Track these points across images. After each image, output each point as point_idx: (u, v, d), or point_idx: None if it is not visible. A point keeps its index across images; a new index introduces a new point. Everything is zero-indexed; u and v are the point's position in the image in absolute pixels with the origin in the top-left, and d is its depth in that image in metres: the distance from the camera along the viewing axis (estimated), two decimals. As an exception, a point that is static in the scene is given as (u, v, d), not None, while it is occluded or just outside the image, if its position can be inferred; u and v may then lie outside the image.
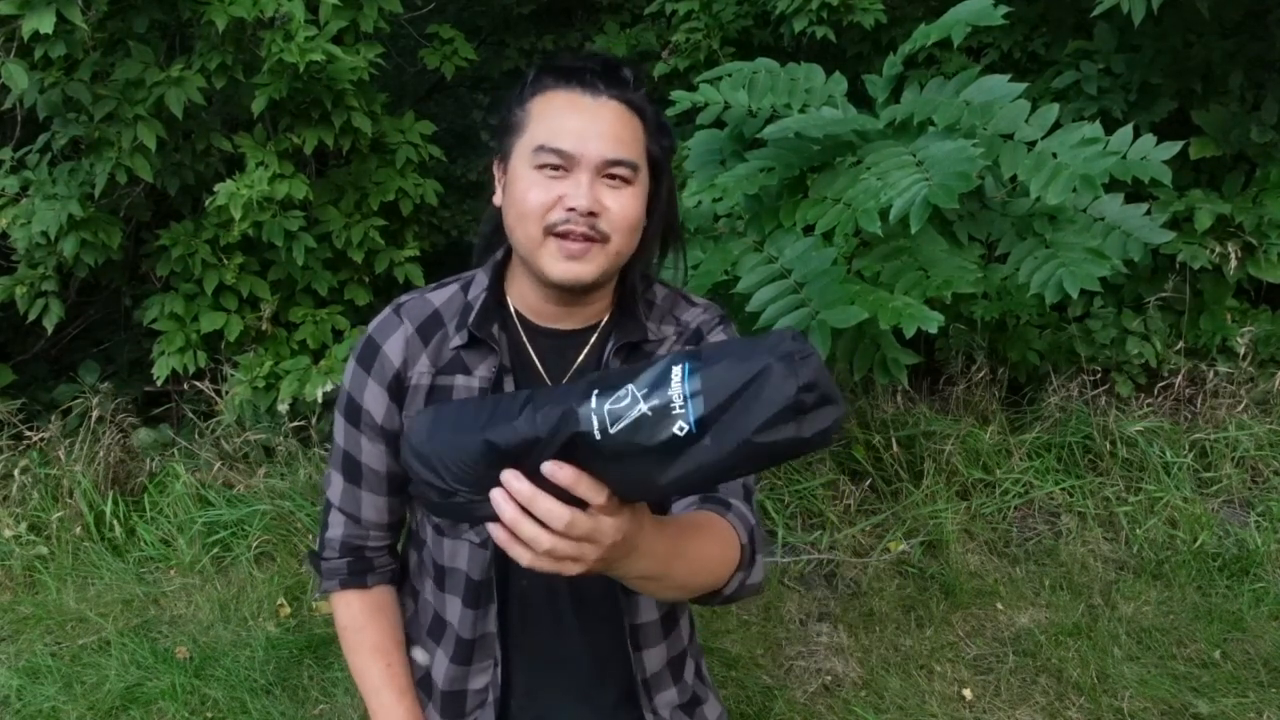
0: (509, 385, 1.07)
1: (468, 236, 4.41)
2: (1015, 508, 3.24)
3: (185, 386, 3.48)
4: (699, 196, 1.94)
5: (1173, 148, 1.84)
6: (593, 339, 1.10)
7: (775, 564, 3.02)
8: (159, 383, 3.41)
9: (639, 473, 0.71)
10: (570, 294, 1.04)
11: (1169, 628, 2.70)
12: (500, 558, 1.09)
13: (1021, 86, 1.81)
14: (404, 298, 1.12)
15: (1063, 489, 3.26)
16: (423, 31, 4.17)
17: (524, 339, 1.10)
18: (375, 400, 1.09)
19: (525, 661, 1.16)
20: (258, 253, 3.40)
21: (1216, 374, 3.55)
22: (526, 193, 0.99)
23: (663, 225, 1.10)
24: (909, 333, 1.60)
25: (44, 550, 3.13)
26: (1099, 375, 3.62)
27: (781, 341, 0.70)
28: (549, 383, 1.09)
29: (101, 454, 3.33)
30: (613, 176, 0.99)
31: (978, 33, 3.75)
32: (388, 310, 1.11)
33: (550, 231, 0.98)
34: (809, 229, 1.80)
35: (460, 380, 1.08)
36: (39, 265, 3.20)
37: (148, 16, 3.04)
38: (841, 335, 1.86)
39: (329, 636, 2.71)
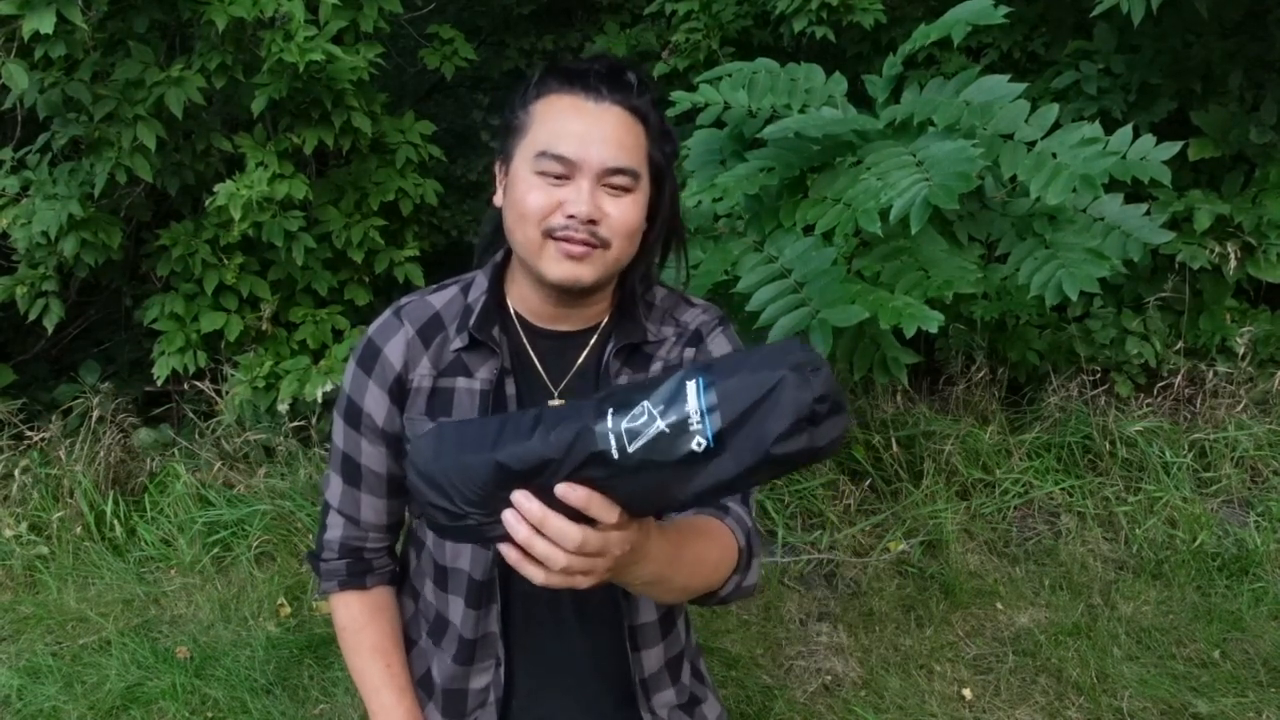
0: (510, 388, 1.07)
1: (468, 236, 4.41)
2: (1015, 508, 3.24)
3: (185, 386, 3.49)
4: (699, 196, 1.94)
5: (1172, 148, 1.84)
6: (593, 340, 1.10)
7: (775, 564, 3.02)
8: (159, 383, 3.42)
9: (656, 488, 0.72)
10: (569, 295, 1.05)
11: (1168, 627, 2.70)
12: (502, 558, 1.09)
13: (1021, 86, 1.81)
14: (404, 300, 1.12)
15: (1062, 489, 3.26)
16: (423, 31, 4.17)
17: (524, 341, 1.10)
18: (376, 403, 1.09)
19: (526, 662, 1.16)
20: (258, 253, 3.40)
21: (1216, 374, 3.56)
22: (526, 195, 0.99)
23: (665, 230, 1.10)
24: (909, 332, 1.61)
25: (44, 550, 3.13)
26: (1099, 375, 3.62)
27: (791, 352, 0.71)
28: (549, 384, 1.09)
29: (102, 454, 3.33)
30: (614, 185, 0.99)
31: (978, 33, 3.76)
32: (388, 313, 1.11)
33: (550, 235, 0.99)
34: (809, 229, 1.80)
35: (462, 383, 1.08)
36: (39, 265, 3.20)
37: (148, 16, 3.04)
38: (841, 335, 1.86)
39: (329, 636, 2.71)
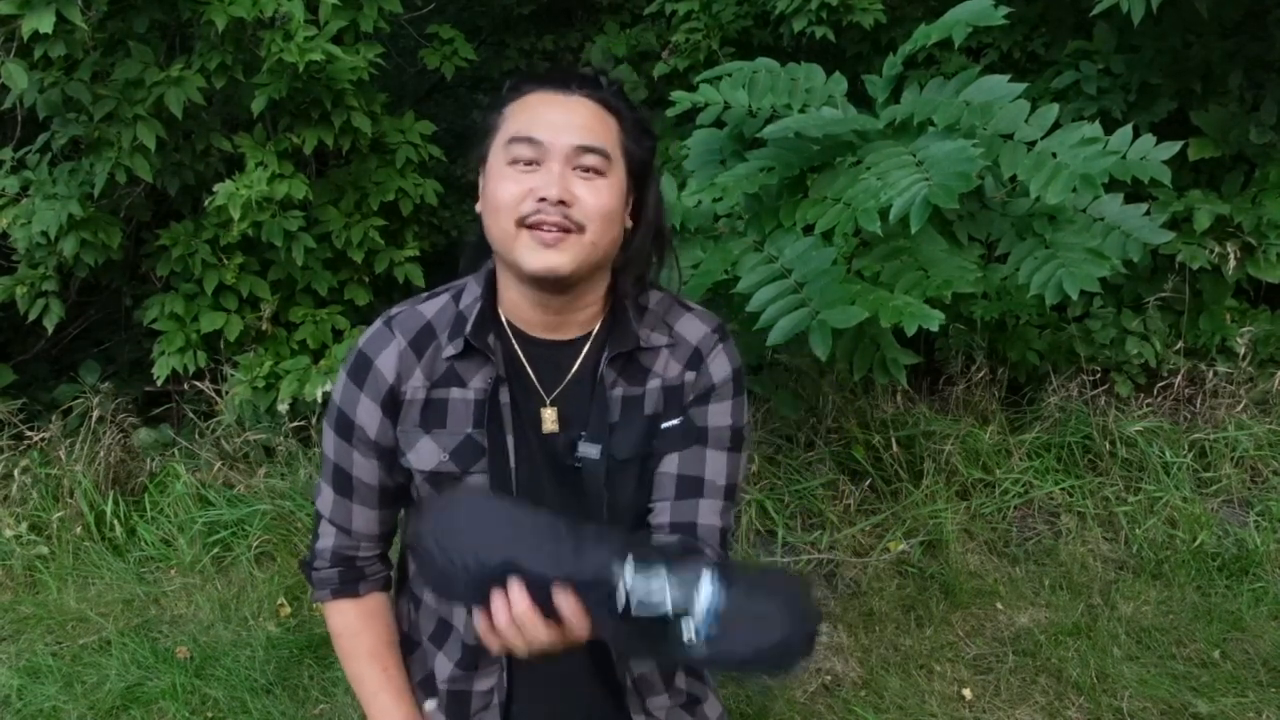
0: (504, 396, 1.07)
1: (467, 236, 4.39)
2: (1015, 508, 3.24)
3: (185, 386, 3.49)
4: (699, 196, 1.94)
5: (1172, 148, 1.84)
6: (586, 348, 1.09)
7: (775, 564, 3.02)
8: (159, 383, 3.42)
9: (632, 635, 0.82)
10: (552, 290, 1.03)
11: (1168, 627, 2.70)
12: None
13: (1021, 86, 1.81)
14: (394, 310, 1.11)
15: (1062, 489, 3.26)
16: (423, 31, 4.17)
17: (517, 350, 1.09)
18: (368, 415, 1.08)
19: (527, 665, 1.16)
20: (258, 253, 3.40)
21: (1216, 374, 3.55)
22: (499, 187, 0.99)
23: (652, 233, 1.10)
24: (910, 331, 1.60)
25: (44, 550, 3.13)
26: (1099, 375, 3.62)
27: (803, 601, 0.84)
28: (543, 393, 1.08)
29: (102, 454, 3.33)
30: (585, 167, 0.99)
31: (978, 33, 3.74)
32: (378, 323, 1.10)
33: (523, 223, 0.98)
34: (809, 229, 1.80)
35: (455, 393, 1.07)
36: (39, 265, 3.21)
37: (148, 16, 3.04)
38: (841, 335, 1.85)
39: (329, 636, 2.71)
